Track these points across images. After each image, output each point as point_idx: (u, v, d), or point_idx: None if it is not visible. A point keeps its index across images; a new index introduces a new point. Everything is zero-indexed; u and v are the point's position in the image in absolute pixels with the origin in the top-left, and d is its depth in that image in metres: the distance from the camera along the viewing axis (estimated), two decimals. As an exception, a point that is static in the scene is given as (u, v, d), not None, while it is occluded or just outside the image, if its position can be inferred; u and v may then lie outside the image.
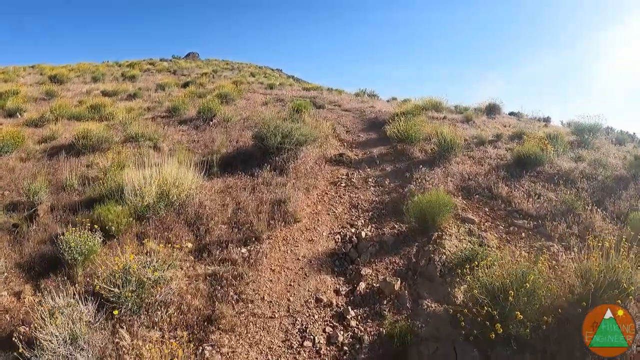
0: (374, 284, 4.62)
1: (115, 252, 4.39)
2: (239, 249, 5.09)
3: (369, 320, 4.15)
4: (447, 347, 3.58)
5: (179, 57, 35.95)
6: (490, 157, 8.02)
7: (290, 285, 4.67)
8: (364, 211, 6.19)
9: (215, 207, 5.90)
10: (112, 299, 3.80)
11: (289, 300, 4.44)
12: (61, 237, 4.53)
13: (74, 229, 4.63)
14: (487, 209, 6.07)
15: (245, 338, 3.91)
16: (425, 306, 4.18)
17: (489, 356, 3.48)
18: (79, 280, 4.35)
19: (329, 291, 4.59)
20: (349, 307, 4.29)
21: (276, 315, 4.21)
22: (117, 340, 3.55)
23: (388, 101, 17.95)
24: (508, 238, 5.44)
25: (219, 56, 39.69)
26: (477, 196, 6.42)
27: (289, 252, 5.22)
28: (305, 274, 4.84)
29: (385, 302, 4.36)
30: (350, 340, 3.91)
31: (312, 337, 3.92)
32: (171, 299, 4.12)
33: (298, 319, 4.18)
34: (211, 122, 10.72)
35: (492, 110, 13.19)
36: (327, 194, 6.74)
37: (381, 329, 3.98)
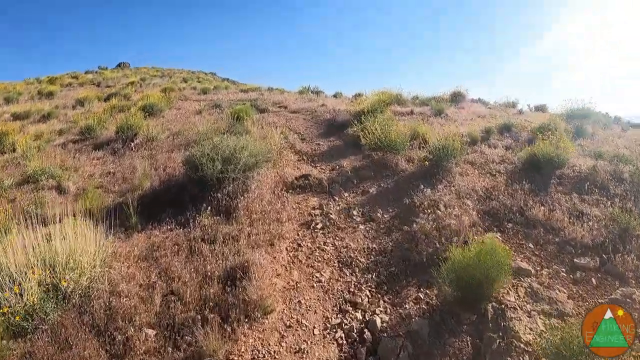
0: None
1: None
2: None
3: None
4: None
5: (106, 67, 31.95)
6: (494, 161, 6.38)
7: None
8: (363, 272, 4.04)
9: (136, 296, 3.31)
10: None
11: None
12: None
13: None
14: (532, 245, 4.31)
15: None
16: None
17: None
18: None
19: None
20: None
21: None
22: None
23: (335, 97, 16.00)
24: (580, 292, 3.71)
25: (154, 64, 36.04)
26: (509, 225, 4.64)
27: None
28: None
29: None
30: None
31: None
32: None
33: None
34: (132, 144, 7.82)
35: (456, 98, 11.91)
36: (301, 246, 4.45)
37: None
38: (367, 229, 4.69)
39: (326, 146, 7.77)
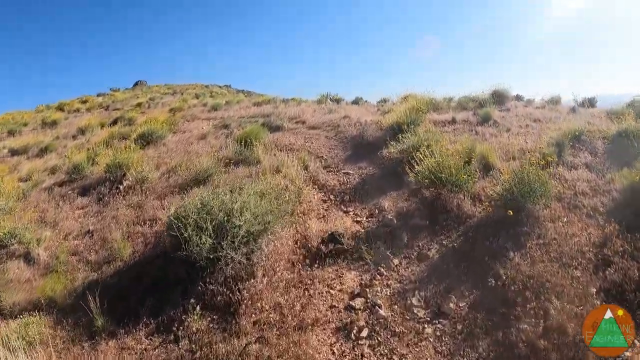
0: None
1: None
2: None
3: None
4: None
5: (117, 89, 30.94)
6: (584, 193, 4.63)
7: None
8: None
9: None
10: None
11: None
12: None
13: None
14: None
15: None
16: None
17: None
18: None
19: None
20: None
21: None
22: None
23: (357, 103, 14.39)
24: None
25: (173, 81, 35.59)
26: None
27: None
28: None
29: None
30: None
31: None
32: None
33: None
34: (121, 187, 6.54)
35: (499, 98, 10.07)
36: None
37: None
38: (438, 334, 3.08)
39: (357, 176, 6.21)
